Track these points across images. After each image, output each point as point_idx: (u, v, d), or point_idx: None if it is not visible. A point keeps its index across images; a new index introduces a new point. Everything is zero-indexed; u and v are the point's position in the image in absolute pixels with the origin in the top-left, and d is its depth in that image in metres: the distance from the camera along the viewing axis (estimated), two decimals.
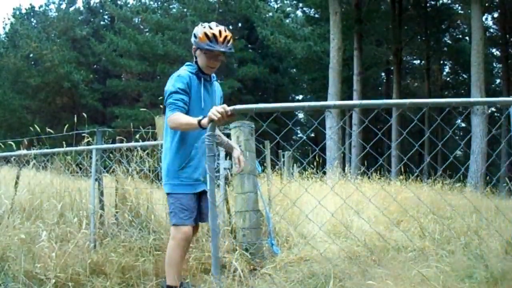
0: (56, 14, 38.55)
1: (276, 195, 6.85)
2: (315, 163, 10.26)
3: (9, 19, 37.34)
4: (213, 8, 31.55)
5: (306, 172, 10.25)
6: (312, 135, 39.91)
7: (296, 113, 39.71)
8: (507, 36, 27.95)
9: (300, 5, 33.66)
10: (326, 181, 10.02)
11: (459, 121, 35.37)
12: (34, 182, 5.99)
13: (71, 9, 40.68)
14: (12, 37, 33.02)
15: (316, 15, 30.07)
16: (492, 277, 3.75)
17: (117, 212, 5.38)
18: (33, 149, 6.18)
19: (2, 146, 6.83)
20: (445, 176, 10.33)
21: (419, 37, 31.29)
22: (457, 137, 33.73)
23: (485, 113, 16.27)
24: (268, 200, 6.55)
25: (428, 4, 29.76)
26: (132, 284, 3.97)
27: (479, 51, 16.88)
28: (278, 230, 5.77)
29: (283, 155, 11.21)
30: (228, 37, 3.43)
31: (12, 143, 6.65)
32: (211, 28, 3.39)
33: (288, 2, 36.15)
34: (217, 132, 3.66)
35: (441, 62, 36.21)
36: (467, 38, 30.36)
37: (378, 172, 10.97)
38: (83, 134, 6.03)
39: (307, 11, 32.91)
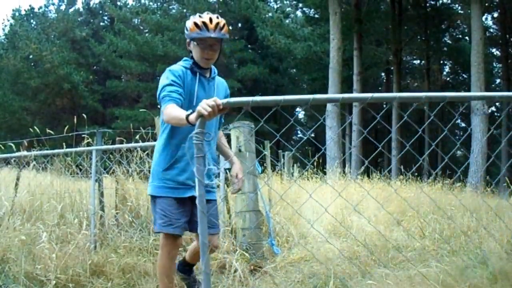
0: (56, 15, 38.54)
1: (276, 196, 6.85)
2: (315, 163, 10.25)
3: (8, 20, 37.29)
4: (212, 8, 31.59)
5: (306, 173, 10.25)
6: (312, 135, 39.92)
7: (296, 113, 39.71)
8: (507, 36, 27.95)
9: (300, 5, 33.67)
10: (326, 181, 10.02)
11: (458, 120, 35.41)
12: (34, 183, 5.99)
13: (71, 10, 40.69)
14: (11, 38, 33.00)
15: (316, 15, 30.06)
16: (492, 277, 3.75)
17: (117, 213, 5.38)
18: (33, 150, 6.19)
19: (2, 147, 6.84)
20: (445, 176, 10.33)
21: (419, 37, 31.29)
22: (457, 137, 33.74)
23: (485, 112, 16.27)
24: (268, 201, 6.55)
25: (428, 4, 29.74)
26: (133, 285, 3.98)
27: (479, 51, 16.87)
28: (278, 230, 5.77)
29: (283, 155, 11.22)
30: (221, 24, 3.15)
31: (12, 144, 6.67)
32: (200, 17, 3.16)
33: (287, 2, 36.17)
34: (222, 140, 3.54)
35: (441, 62, 36.20)
36: (467, 38, 30.36)
37: (378, 172, 10.95)
38: (83, 135, 6.04)
39: (306, 11, 32.90)
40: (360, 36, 23.39)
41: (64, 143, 6.15)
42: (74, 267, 3.99)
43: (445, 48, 33.36)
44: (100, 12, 42.13)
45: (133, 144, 5.51)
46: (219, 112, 2.32)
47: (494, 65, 35.09)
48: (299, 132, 42.17)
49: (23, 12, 38.02)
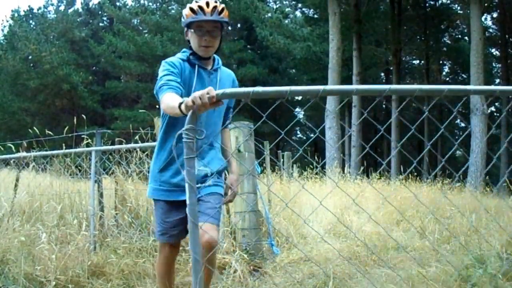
0: (55, 16, 38.58)
1: (275, 196, 6.85)
2: (314, 164, 10.26)
3: (7, 21, 37.36)
4: None
5: (306, 173, 10.27)
6: (312, 135, 39.92)
7: (296, 113, 39.73)
8: (507, 36, 27.97)
9: (299, 5, 33.72)
10: (325, 181, 10.03)
11: (458, 120, 35.42)
12: (33, 184, 5.99)
13: (70, 10, 40.73)
14: (10, 39, 33.01)
15: (315, 16, 30.08)
16: (492, 277, 3.75)
17: (116, 214, 5.37)
18: (33, 151, 6.18)
19: (2, 148, 6.83)
20: (445, 176, 10.35)
21: (418, 37, 31.31)
22: (456, 137, 33.75)
23: (484, 112, 16.28)
24: (267, 201, 6.55)
25: (427, 4, 29.76)
26: (133, 286, 3.97)
27: (478, 51, 16.88)
28: (277, 230, 5.77)
29: (283, 156, 11.22)
30: (219, 8, 2.86)
31: (12, 145, 6.66)
32: (196, 1, 2.89)
33: (287, 2, 36.23)
34: (226, 141, 3.24)
35: (441, 62, 36.22)
36: (466, 38, 30.34)
37: (378, 172, 10.97)
38: (82, 136, 6.04)
39: (306, 12, 32.93)
40: (360, 36, 23.40)
41: (63, 144, 6.14)
42: (73, 268, 3.98)
43: (444, 48, 33.37)
44: (99, 12, 42.15)
45: (132, 145, 5.51)
46: (213, 105, 1.98)
47: (494, 65, 35.12)
48: (298, 132, 42.19)
49: (22, 13, 38.13)
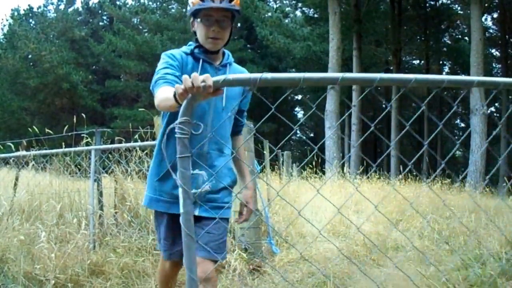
0: (55, 15, 38.55)
1: (274, 196, 6.86)
2: (314, 163, 10.26)
3: (7, 20, 37.29)
4: None
5: (305, 172, 10.28)
6: (312, 135, 39.97)
7: (295, 113, 39.79)
8: (507, 36, 27.96)
9: (299, 5, 33.72)
10: (325, 181, 10.03)
11: (458, 120, 35.45)
12: (33, 183, 5.99)
13: (70, 9, 40.70)
14: (10, 38, 32.98)
15: (315, 15, 30.08)
16: (491, 277, 3.75)
17: (116, 213, 5.38)
18: (32, 150, 6.18)
19: (1, 147, 6.85)
20: (444, 176, 10.36)
21: (418, 37, 31.32)
22: (456, 137, 33.74)
23: (484, 113, 16.29)
24: (267, 200, 6.55)
25: (427, 4, 29.76)
26: (132, 285, 3.97)
27: (478, 51, 16.88)
28: (277, 229, 5.78)
29: (282, 155, 11.22)
30: None
31: (11, 144, 6.66)
32: None
33: (287, 2, 36.21)
34: (238, 148, 2.81)
35: (441, 62, 36.21)
36: (466, 38, 30.35)
37: (378, 172, 10.98)
38: (82, 135, 6.04)
39: (306, 11, 32.93)
40: (360, 36, 23.40)
41: (63, 143, 6.14)
42: (73, 267, 3.99)
43: (444, 49, 33.37)
44: (99, 11, 42.14)
45: (132, 144, 5.51)
46: (212, 95, 1.68)
47: (494, 65, 35.12)
48: (298, 132, 42.22)
49: (22, 12, 38.06)
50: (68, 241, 4.49)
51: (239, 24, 37.65)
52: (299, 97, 40.29)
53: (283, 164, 10.80)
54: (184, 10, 33.42)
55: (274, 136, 31.25)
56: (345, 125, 26.13)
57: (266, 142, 8.05)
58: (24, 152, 5.98)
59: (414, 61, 38.64)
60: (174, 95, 1.86)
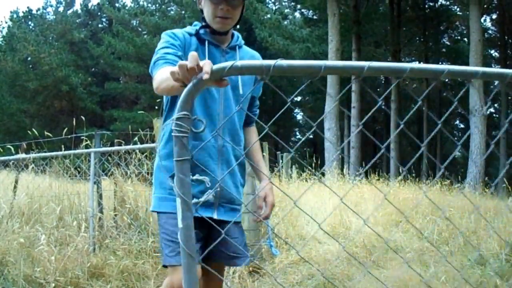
0: (54, 17, 38.61)
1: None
2: (313, 165, 10.26)
3: (6, 22, 37.34)
4: None
5: (305, 174, 10.28)
6: (311, 136, 39.94)
7: (295, 114, 39.77)
8: (506, 37, 28.00)
9: (298, 6, 33.71)
10: (324, 183, 10.04)
11: (457, 121, 35.47)
12: (32, 186, 5.99)
13: (69, 12, 40.78)
14: (9, 40, 33.00)
15: (314, 17, 30.09)
16: (490, 278, 3.76)
17: (116, 215, 5.38)
18: (32, 153, 6.19)
19: (1, 150, 6.84)
20: (444, 177, 10.35)
21: (417, 38, 31.35)
22: (455, 138, 33.74)
23: (483, 114, 16.30)
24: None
25: (426, 6, 29.81)
26: (132, 287, 3.98)
27: (477, 52, 16.89)
28: (277, 231, 5.78)
29: (282, 157, 11.22)
30: None
31: (11, 147, 6.66)
32: None
33: (286, 3, 36.25)
34: (253, 140, 2.49)
35: (440, 63, 36.24)
36: (465, 39, 30.37)
37: (377, 173, 10.98)
38: (81, 137, 6.04)
39: (305, 13, 32.94)
40: (359, 37, 23.41)
41: (62, 146, 6.15)
42: (73, 270, 3.99)
43: (443, 50, 33.42)
44: (99, 14, 42.17)
45: (131, 146, 5.51)
46: (215, 85, 1.37)
47: (493, 66, 35.15)
48: (297, 133, 42.22)
49: (21, 14, 38.08)
50: (68, 244, 4.49)
51: (238, 26, 37.68)
52: (298, 98, 40.33)
53: (282, 167, 10.80)
54: (183, 12, 33.45)
55: (273, 138, 31.19)
56: (344, 127, 26.14)
57: (265, 144, 8.06)
58: (23, 155, 5.98)
59: (413, 62, 38.68)
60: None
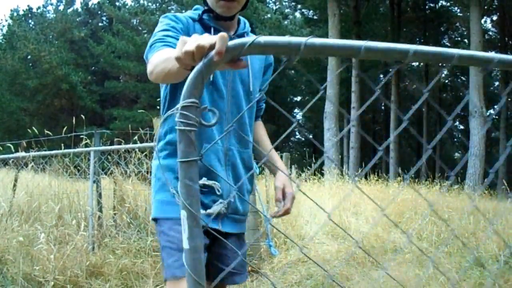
0: (54, 15, 38.56)
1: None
2: (312, 165, 10.26)
3: (6, 20, 37.35)
4: None
5: (304, 174, 10.27)
6: (310, 136, 39.96)
7: (294, 114, 39.77)
8: (506, 39, 28.02)
9: (299, 6, 33.75)
10: (323, 183, 10.05)
11: (457, 123, 35.48)
12: (32, 184, 5.99)
13: (69, 10, 40.72)
14: (9, 38, 32.98)
15: (315, 17, 30.13)
16: (489, 279, 3.76)
17: (115, 214, 5.38)
18: (31, 151, 6.19)
19: (1, 148, 6.84)
20: (443, 178, 10.37)
21: (417, 39, 31.34)
22: (455, 139, 33.78)
23: (483, 115, 16.30)
24: (265, 202, 6.56)
25: (427, 7, 29.83)
26: (131, 286, 3.98)
27: None
28: (276, 231, 5.78)
29: (281, 157, 11.22)
30: None
31: (10, 145, 6.66)
32: None
33: (286, 3, 36.23)
34: (262, 133, 2.27)
35: (440, 64, 36.22)
36: (466, 40, 30.36)
37: (376, 174, 10.98)
38: (81, 136, 6.05)
39: (305, 13, 32.97)
40: (359, 38, 23.41)
41: (62, 144, 6.15)
42: (72, 268, 3.99)
43: None
44: (99, 12, 42.14)
45: (131, 145, 5.51)
46: (231, 67, 1.06)
47: (493, 68, 35.15)
48: (297, 133, 42.22)
49: (21, 12, 38.13)
50: (67, 243, 4.49)
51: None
52: (298, 98, 40.40)
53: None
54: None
55: (273, 138, 31.19)
56: (344, 127, 26.13)
57: None
58: (23, 153, 5.98)
59: (413, 63, 38.69)
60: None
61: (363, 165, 14.59)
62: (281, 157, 11.10)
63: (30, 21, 38.43)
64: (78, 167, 6.31)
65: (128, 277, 4.06)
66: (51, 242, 4.37)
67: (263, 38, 1.03)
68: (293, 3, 34.82)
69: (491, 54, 1.38)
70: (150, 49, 1.75)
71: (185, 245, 1.04)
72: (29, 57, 32.38)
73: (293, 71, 37.85)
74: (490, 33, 31.55)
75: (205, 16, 1.97)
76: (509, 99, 28.02)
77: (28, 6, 51.11)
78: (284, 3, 36.31)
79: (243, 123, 1.99)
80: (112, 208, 5.52)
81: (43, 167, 6.34)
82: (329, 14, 19.89)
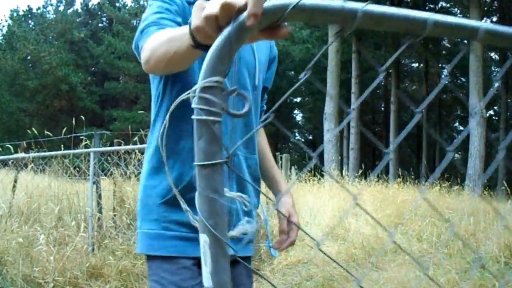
0: (54, 16, 38.58)
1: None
2: (312, 166, 10.25)
3: (6, 21, 37.33)
4: None
5: (304, 175, 10.27)
6: (310, 137, 39.98)
7: (294, 115, 39.80)
8: None
9: None
10: (323, 184, 10.04)
11: (457, 123, 35.49)
12: (32, 185, 5.98)
13: (69, 11, 40.74)
14: (9, 39, 33.00)
15: None
16: (489, 280, 3.76)
17: (115, 215, 5.37)
18: (31, 152, 6.18)
19: (0, 149, 6.83)
20: (443, 179, 10.36)
21: (417, 40, 31.36)
22: (455, 140, 33.69)
23: (483, 116, 16.30)
24: (266, 203, 6.55)
25: (426, 8, 29.83)
26: (131, 287, 3.97)
27: (477, 54, 16.91)
28: (275, 232, 5.77)
29: (281, 158, 11.21)
30: None
31: (10, 146, 6.65)
32: None
33: None
34: (263, 143, 1.91)
35: (440, 65, 36.28)
36: (465, 41, 30.43)
37: (376, 174, 10.98)
38: (81, 137, 6.04)
39: None
40: (359, 39, 23.43)
41: (62, 145, 6.15)
42: (72, 270, 3.98)
43: (443, 52, 33.46)
44: (99, 13, 42.15)
45: (131, 146, 5.51)
46: (266, 36, 0.80)
47: (493, 69, 35.20)
48: (297, 134, 42.23)
49: (21, 13, 38.11)
50: (67, 244, 4.48)
51: None
52: (298, 99, 40.38)
53: (281, 167, 10.79)
54: None
55: (273, 139, 31.27)
56: (343, 128, 26.13)
57: None
58: (23, 154, 5.97)
59: (413, 64, 38.68)
60: (191, 32, 1.00)
61: (363, 167, 14.58)
62: (281, 158, 11.10)
63: (30, 21, 38.45)
64: (78, 168, 6.30)
65: (128, 279, 4.06)
66: (50, 243, 4.37)
67: (308, 1, 0.71)
68: None
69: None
70: (141, 35, 1.50)
71: (207, 283, 0.70)
72: (29, 57, 32.39)
73: (292, 72, 37.90)
74: None
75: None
76: (509, 100, 28.05)
77: (28, 6, 51.05)
78: None
79: (249, 124, 1.65)
80: (112, 209, 5.51)
81: (42, 168, 6.34)
82: None
